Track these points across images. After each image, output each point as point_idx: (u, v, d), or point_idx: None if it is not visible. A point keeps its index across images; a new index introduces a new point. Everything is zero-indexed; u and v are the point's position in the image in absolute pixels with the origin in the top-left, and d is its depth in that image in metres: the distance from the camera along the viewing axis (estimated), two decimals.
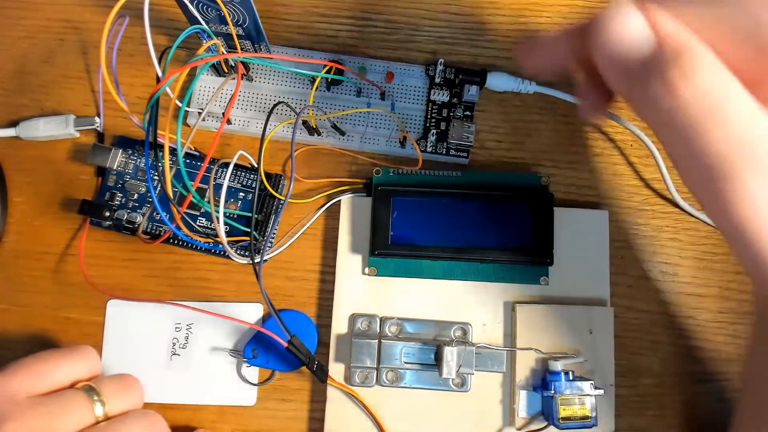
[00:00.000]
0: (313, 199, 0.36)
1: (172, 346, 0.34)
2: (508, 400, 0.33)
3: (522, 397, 0.33)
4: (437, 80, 0.37)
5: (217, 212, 0.27)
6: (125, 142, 0.37)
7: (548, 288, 0.35)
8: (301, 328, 0.35)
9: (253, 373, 0.34)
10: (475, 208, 0.34)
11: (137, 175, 0.36)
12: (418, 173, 0.35)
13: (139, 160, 0.36)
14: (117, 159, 0.35)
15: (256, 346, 0.34)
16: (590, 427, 0.31)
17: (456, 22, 0.39)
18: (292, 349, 0.31)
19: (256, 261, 0.30)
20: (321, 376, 0.32)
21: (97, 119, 0.36)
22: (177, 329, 0.35)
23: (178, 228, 0.32)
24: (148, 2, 0.24)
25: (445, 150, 0.36)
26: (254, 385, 0.34)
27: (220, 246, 0.34)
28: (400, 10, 0.39)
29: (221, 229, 0.27)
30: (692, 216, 0.37)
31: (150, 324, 0.35)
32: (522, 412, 0.33)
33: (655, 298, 0.36)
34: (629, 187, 0.37)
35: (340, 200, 0.36)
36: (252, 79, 0.37)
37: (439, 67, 0.37)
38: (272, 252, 0.35)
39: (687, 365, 0.35)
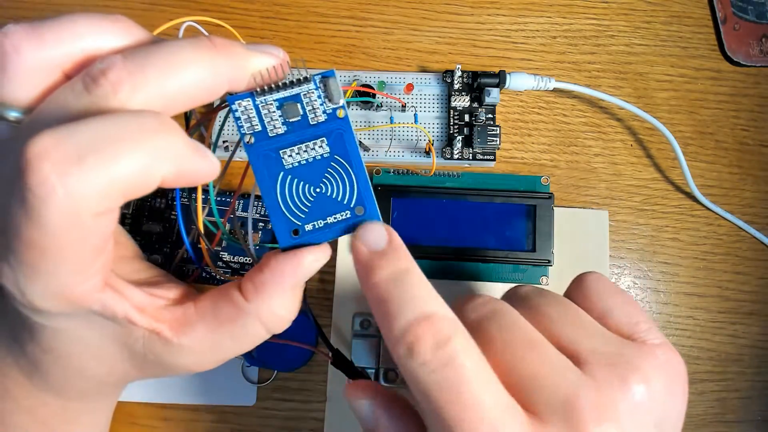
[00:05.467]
0: None
1: None
2: None
3: None
4: (456, 86, 0.37)
5: (252, 248, 0.26)
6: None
7: (548, 288, 0.34)
8: (301, 328, 0.35)
9: (253, 373, 0.34)
10: (475, 208, 0.34)
11: (154, 217, 0.35)
12: (419, 173, 0.35)
13: (156, 201, 0.35)
14: (131, 203, 0.34)
15: (256, 347, 0.34)
16: None
17: (456, 22, 0.39)
18: (337, 364, 0.31)
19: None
20: None
21: None
22: None
23: (206, 266, 0.31)
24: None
25: (471, 155, 0.36)
26: (254, 384, 0.34)
27: None
28: (399, 10, 0.39)
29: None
30: (696, 210, 0.37)
31: None
32: None
33: (655, 298, 0.36)
34: (629, 187, 0.37)
35: None
36: None
37: (457, 73, 0.37)
38: None
39: (687, 365, 0.35)
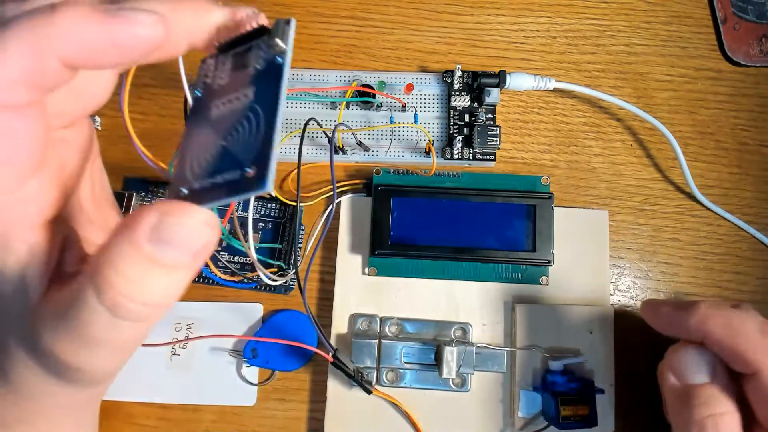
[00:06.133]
0: (313, 202, 0.36)
1: (172, 346, 0.34)
2: (508, 400, 0.33)
3: (522, 397, 0.33)
4: (456, 86, 0.37)
5: (252, 249, 0.26)
6: (137, 185, 0.35)
7: (548, 288, 0.35)
8: (301, 328, 0.35)
9: (253, 373, 0.34)
10: (475, 208, 0.34)
11: None
12: (419, 173, 0.35)
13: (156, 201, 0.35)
14: (132, 205, 0.34)
15: (256, 346, 0.34)
16: (590, 427, 0.31)
17: (456, 22, 0.39)
18: (337, 363, 0.31)
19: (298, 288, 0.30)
20: (366, 387, 0.32)
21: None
22: (177, 329, 0.35)
23: (208, 268, 0.31)
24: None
25: (471, 155, 0.36)
26: (254, 385, 0.34)
27: (252, 283, 0.34)
28: (399, 10, 0.39)
29: (259, 267, 0.26)
30: (696, 210, 0.37)
31: None
32: (522, 411, 0.33)
33: (655, 298, 0.36)
34: (629, 187, 0.37)
35: (340, 201, 0.36)
36: None
37: (457, 73, 0.37)
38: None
39: None
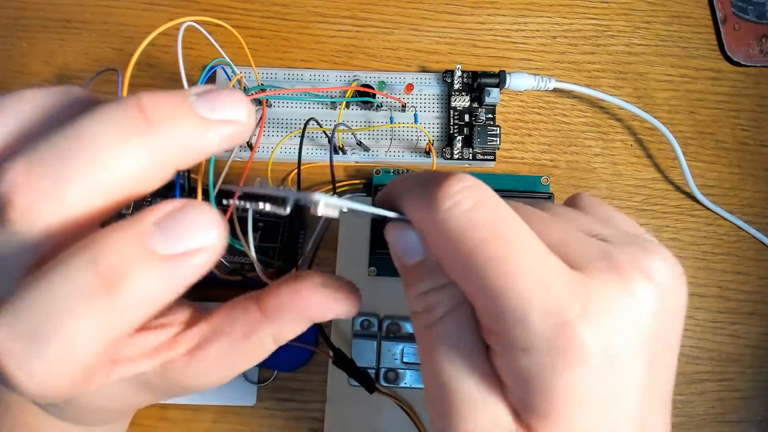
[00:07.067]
0: None
1: None
2: None
3: None
4: (456, 86, 0.37)
5: (252, 248, 0.26)
6: None
7: None
8: None
9: (253, 373, 0.34)
10: None
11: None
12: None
13: (157, 202, 0.35)
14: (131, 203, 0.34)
15: None
16: None
17: (456, 22, 0.39)
18: (338, 364, 0.31)
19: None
20: (368, 386, 0.32)
21: None
22: None
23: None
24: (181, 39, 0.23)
25: (471, 155, 0.36)
26: (254, 385, 0.34)
27: (251, 283, 0.34)
28: (399, 10, 0.39)
29: (258, 267, 0.26)
30: (696, 210, 0.37)
31: None
32: None
33: None
34: (629, 187, 0.37)
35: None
36: (271, 105, 0.37)
37: (457, 73, 0.37)
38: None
39: (687, 365, 0.35)
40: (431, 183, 0.17)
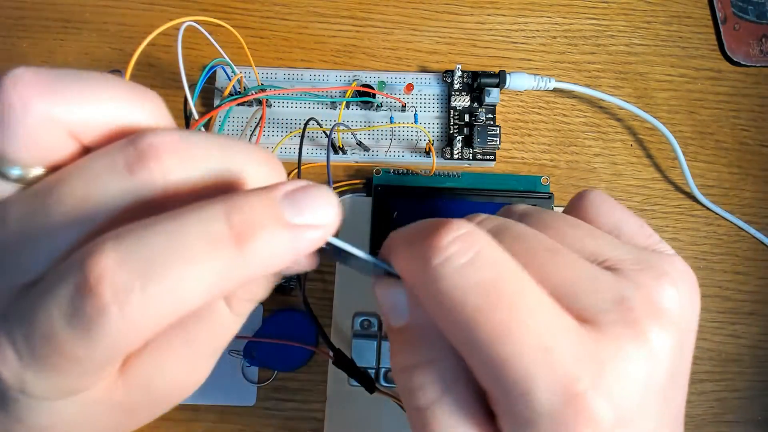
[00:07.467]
0: None
1: None
2: None
3: None
4: (456, 86, 0.37)
5: None
6: None
7: None
8: (301, 328, 0.35)
9: (253, 373, 0.34)
10: (475, 208, 0.34)
11: None
12: (419, 173, 0.35)
13: None
14: None
15: (256, 346, 0.34)
16: None
17: (456, 22, 0.39)
18: (338, 364, 0.31)
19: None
20: (368, 386, 0.32)
21: None
22: None
23: None
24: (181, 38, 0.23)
25: (471, 155, 0.36)
26: (254, 385, 0.34)
27: None
28: (399, 10, 0.39)
29: None
30: (696, 210, 0.37)
31: None
32: None
33: None
34: (629, 187, 0.37)
35: (340, 201, 0.36)
36: (271, 105, 0.37)
37: (457, 73, 0.37)
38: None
39: None
40: (421, 232, 0.15)
